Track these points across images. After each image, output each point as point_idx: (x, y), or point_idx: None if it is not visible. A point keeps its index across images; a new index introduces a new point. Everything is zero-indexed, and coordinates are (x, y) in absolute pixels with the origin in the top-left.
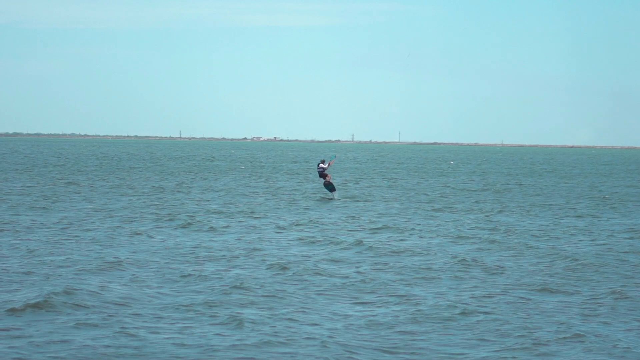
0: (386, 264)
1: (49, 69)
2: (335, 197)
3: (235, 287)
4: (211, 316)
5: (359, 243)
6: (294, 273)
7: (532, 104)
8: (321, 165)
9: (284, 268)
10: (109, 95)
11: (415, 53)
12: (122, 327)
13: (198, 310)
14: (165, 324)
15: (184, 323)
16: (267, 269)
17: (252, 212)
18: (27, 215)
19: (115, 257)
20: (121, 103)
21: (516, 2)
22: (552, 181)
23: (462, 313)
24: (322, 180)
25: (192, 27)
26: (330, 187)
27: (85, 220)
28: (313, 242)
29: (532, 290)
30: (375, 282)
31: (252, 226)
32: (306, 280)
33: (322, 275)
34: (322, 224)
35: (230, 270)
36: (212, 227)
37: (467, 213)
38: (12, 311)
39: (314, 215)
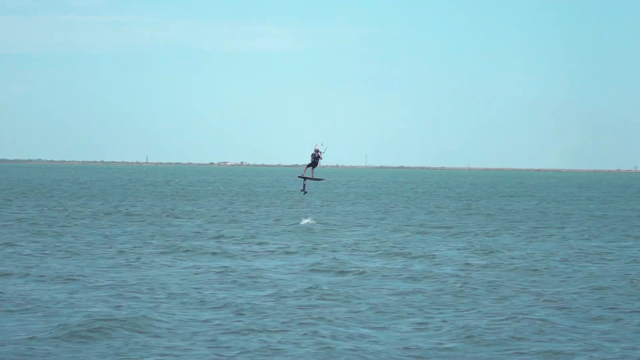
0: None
1: (13, 93)
2: (306, 191)
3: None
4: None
5: (366, 271)
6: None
7: (498, 127)
8: (318, 151)
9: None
10: (75, 120)
11: (383, 76)
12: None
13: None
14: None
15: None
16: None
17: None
18: (35, 241)
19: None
20: (87, 128)
21: (482, 24)
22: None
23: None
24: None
25: (159, 51)
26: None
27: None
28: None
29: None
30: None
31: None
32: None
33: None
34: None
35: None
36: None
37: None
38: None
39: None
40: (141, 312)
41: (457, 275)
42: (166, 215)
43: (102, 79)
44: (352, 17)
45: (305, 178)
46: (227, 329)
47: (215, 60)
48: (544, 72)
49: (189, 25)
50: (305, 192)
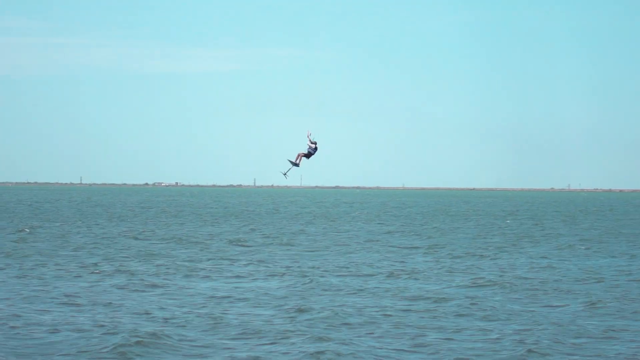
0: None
1: None
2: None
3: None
4: None
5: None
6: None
7: (433, 147)
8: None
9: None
10: (7, 142)
11: (317, 96)
12: None
13: None
14: None
15: None
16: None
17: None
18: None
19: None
20: (20, 149)
21: (416, 45)
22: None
23: None
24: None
25: (91, 73)
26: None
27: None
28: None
29: None
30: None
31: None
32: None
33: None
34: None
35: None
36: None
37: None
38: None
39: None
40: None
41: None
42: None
43: (33, 101)
44: (286, 40)
45: (293, 164)
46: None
47: (149, 81)
48: (478, 93)
49: (125, 47)
50: (287, 177)
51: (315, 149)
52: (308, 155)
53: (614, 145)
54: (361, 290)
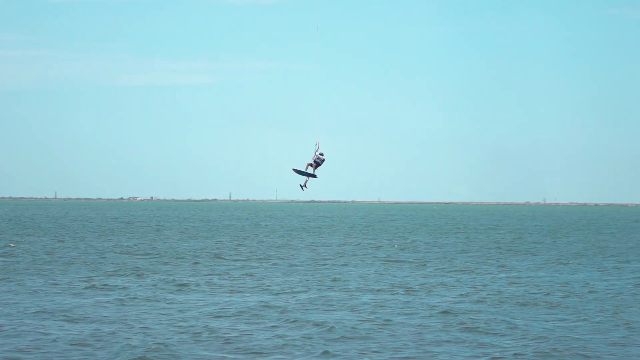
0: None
1: None
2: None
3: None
4: None
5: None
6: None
7: (409, 160)
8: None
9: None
10: None
11: (293, 110)
12: None
13: None
14: None
15: None
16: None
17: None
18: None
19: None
20: None
21: (391, 58)
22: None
23: None
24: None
25: (66, 86)
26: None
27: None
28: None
29: None
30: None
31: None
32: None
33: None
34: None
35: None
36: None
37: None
38: None
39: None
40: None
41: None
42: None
43: (5, 115)
44: (260, 53)
45: (309, 175)
46: None
47: (124, 94)
48: (454, 106)
49: (98, 60)
50: (305, 188)
51: (323, 160)
52: (316, 165)
53: (589, 159)
54: (356, 303)
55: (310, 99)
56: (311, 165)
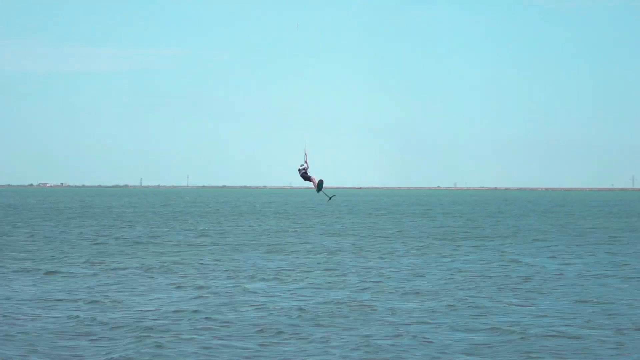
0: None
1: None
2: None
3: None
4: None
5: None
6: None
7: (320, 145)
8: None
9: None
10: None
11: (205, 97)
12: None
13: None
14: None
15: None
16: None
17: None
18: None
19: None
20: None
21: (306, 43)
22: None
23: None
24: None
25: None
26: (321, 186)
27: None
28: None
29: None
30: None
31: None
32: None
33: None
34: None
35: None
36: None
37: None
38: None
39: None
40: None
41: None
42: None
43: None
44: (173, 40)
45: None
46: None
47: (32, 80)
48: (365, 91)
49: (8, 46)
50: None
51: (304, 168)
52: (304, 178)
53: (499, 144)
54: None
55: (224, 85)
56: (308, 179)
